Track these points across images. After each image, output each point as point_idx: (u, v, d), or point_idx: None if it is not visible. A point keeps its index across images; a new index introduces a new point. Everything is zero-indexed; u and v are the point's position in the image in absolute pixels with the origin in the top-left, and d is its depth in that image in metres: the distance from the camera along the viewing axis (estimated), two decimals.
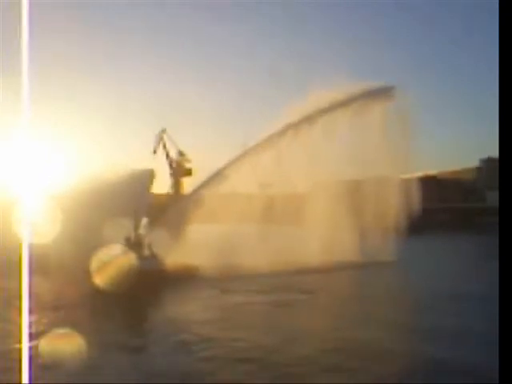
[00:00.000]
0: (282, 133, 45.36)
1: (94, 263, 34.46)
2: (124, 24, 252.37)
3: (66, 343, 20.27)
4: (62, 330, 21.77)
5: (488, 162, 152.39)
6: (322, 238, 44.48)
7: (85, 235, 36.79)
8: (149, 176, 44.70)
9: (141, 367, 18.60)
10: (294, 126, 45.52)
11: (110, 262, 34.71)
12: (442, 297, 31.32)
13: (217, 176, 44.79)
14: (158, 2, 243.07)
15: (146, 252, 36.96)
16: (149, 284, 33.01)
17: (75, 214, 37.62)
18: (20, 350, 18.46)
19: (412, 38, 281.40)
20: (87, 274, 34.26)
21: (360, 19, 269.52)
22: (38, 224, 37.37)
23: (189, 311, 28.66)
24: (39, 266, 34.43)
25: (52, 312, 27.25)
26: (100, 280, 33.73)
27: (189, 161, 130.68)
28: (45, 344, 20.14)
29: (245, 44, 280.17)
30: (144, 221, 40.12)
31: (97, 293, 32.37)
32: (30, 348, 19.27)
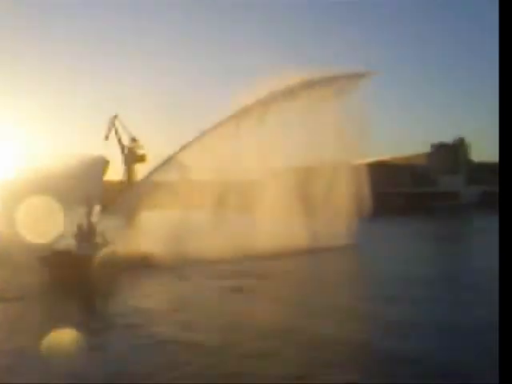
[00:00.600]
0: (236, 119, 44.93)
1: (46, 252, 33.87)
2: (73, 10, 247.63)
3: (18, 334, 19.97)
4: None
5: (439, 147, 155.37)
6: (276, 224, 44.65)
7: (37, 223, 36.02)
8: (101, 163, 43.86)
9: (92, 355, 18.36)
10: (248, 112, 45.12)
11: (63, 251, 34.17)
12: (392, 281, 31.88)
13: (169, 162, 44.13)
14: None
15: (99, 239, 36.47)
16: (102, 272, 32.64)
17: (26, 202, 36.74)
18: None
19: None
20: (39, 263, 33.71)
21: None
22: None
23: (146, 297, 28.39)
24: None
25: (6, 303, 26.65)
26: (52, 269, 33.19)
27: (141, 147, 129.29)
28: None
29: (199, 30, 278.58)
30: (97, 208, 39.43)
31: (49, 282, 31.91)
32: None
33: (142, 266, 35.89)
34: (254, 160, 47.18)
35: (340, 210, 46.11)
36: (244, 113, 45.02)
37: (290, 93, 45.98)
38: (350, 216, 46.03)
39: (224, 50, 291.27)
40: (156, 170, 44.65)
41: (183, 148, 44.01)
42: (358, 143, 49.03)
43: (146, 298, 28.25)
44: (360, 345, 18.64)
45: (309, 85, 46.48)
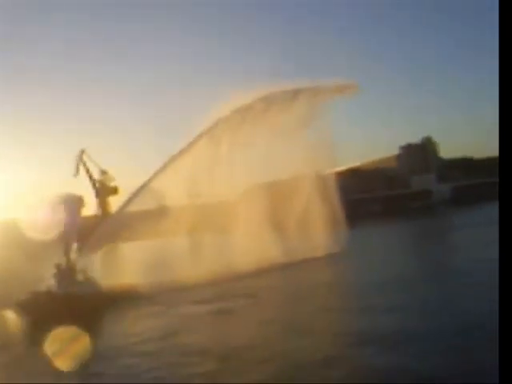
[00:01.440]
0: (200, 140, 44.74)
1: (26, 295, 33.48)
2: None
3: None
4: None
5: (407, 148, 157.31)
6: (253, 241, 44.67)
7: (13, 266, 35.68)
8: (77, 202, 43.58)
9: None
10: (214, 132, 45.01)
11: (42, 292, 33.81)
12: (373, 286, 31.89)
13: (142, 191, 43.83)
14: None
15: (80, 277, 36.13)
16: (87, 309, 32.24)
17: (3, 244, 36.44)
18: None
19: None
20: (19, 307, 33.24)
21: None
22: None
23: (138, 331, 27.97)
24: None
25: None
26: (33, 312, 32.74)
27: (112, 179, 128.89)
28: None
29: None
30: (74, 246, 39.10)
31: (32, 325, 31.39)
32: None
33: (127, 298, 35.61)
34: (224, 180, 47.07)
35: (314, 220, 46.49)
36: (210, 133, 44.88)
37: (252, 109, 46.01)
38: (325, 225, 46.35)
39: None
40: (130, 200, 44.34)
41: (154, 175, 43.82)
42: (326, 153, 49.46)
43: (137, 333, 27.70)
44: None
45: (273, 98, 46.59)
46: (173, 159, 43.88)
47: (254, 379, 17.53)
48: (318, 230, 46.23)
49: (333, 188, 49.70)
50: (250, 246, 44.21)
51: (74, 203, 42.15)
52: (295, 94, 47.07)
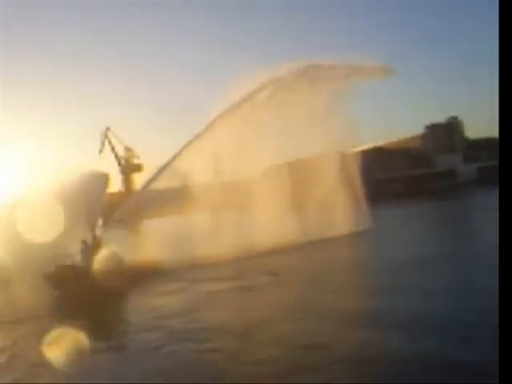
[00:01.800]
0: (225, 117, 44.53)
1: (52, 268, 34.04)
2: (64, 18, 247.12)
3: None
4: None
5: (433, 127, 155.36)
6: (273, 220, 44.68)
7: (41, 242, 36.17)
8: (103, 179, 43.98)
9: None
10: (236, 110, 44.77)
11: (68, 266, 34.34)
12: (395, 267, 31.67)
13: (166, 169, 44.05)
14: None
15: (105, 252, 36.59)
16: (111, 284, 32.69)
17: (28, 222, 36.88)
18: None
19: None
20: (44, 280, 33.86)
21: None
22: None
23: (160, 306, 28.17)
24: None
25: (16, 325, 26.53)
26: (58, 285, 33.35)
27: (137, 156, 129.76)
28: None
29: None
30: (99, 221, 39.58)
31: (60, 300, 32.01)
32: None
33: (150, 273, 36.08)
34: (248, 158, 46.96)
35: (336, 200, 46.42)
36: (232, 111, 44.68)
37: (279, 85, 45.62)
38: (347, 205, 46.27)
39: (217, 52, 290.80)
40: (155, 177, 44.61)
41: (179, 153, 43.95)
42: (350, 132, 49.08)
43: (158, 308, 27.93)
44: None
45: (296, 75, 46.04)
46: (198, 136, 43.90)
47: (269, 355, 17.64)
48: (339, 210, 46.12)
49: (355, 167, 49.46)
50: (270, 224, 44.30)
51: (99, 180, 42.52)
52: (329, 69, 46.60)
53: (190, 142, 43.90)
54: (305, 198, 46.93)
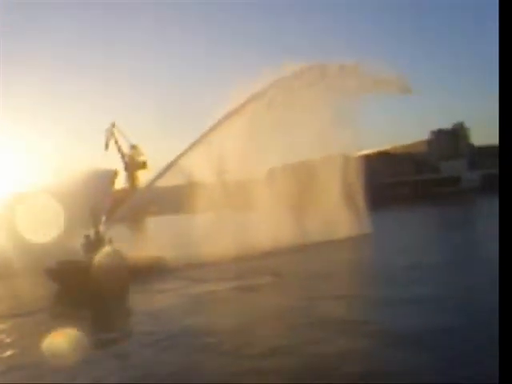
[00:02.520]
0: (231, 117, 44.45)
1: (53, 263, 34.22)
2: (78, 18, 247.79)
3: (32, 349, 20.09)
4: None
5: (438, 133, 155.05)
6: (275, 221, 44.66)
7: (46, 235, 36.40)
8: (111, 176, 44.14)
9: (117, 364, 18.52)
10: (242, 109, 44.72)
11: (70, 261, 34.48)
12: (403, 268, 31.81)
13: (171, 166, 44.09)
14: None
15: (107, 248, 36.66)
16: (113, 280, 32.77)
17: (35, 215, 37.13)
18: None
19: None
20: (47, 275, 34.04)
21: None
22: None
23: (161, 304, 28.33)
24: None
25: (18, 319, 26.67)
26: (60, 280, 33.51)
27: (142, 154, 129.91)
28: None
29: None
30: (103, 218, 39.69)
31: (62, 294, 32.16)
32: None
33: (152, 271, 36.18)
34: (253, 158, 46.88)
35: (337, 202, 46.43)
36: (239, 110, 44.59)
37: (285, 86, 45.51)
38: (348, 208, 46.24)
39: (221, 49, 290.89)
40: (160, 175, 44.67)
41: (185, 151, 44.00)
42: (353, 135, 48.89)
43: (162, 302, 28.32)
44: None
45: (301, 77, 45.83)
46: (203, 135, 43.92)
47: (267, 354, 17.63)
48: (338, 213, 46.06)
49: (356, 171, 49.17)
50: (272, 225, 44.28)
51: (107, 177, 42.67)
52: (341, 69, 46.43)
53: (196, 140, 43.95)
54: (305, 201, 46.82)
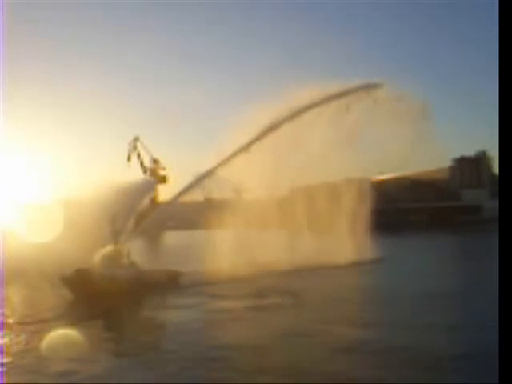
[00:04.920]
0: (255, 137, 44.46)
1: (71, 271, 34.57)
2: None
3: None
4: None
5: (461, 161, 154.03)
6: (300, 240, 44.67)
7: (64, 244, 36.97)
8: (151, 185, 44.39)
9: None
10: (266, 131, 44.71)
11: (85, 269, 34.76)
12: (417, 296, 31.59)
13: (193, 184, 44.21)
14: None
15: (124, 260, 36.94)
16: (127, 292, 33.03)
17: (56, 225, 37.78)
18: None
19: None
20: (62, 282, 34.38)
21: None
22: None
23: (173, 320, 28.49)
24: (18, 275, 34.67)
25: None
26: (76, 288, 33.80)
27: (163, 168, 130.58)
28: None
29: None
30: (122, 230, 39.99)
31: (80, 303, 32.40)
32: None
33: (168, 286, 36.35)
34: (275, 178, 46.67)
35: (364, 225, 46.20)
36: (264, 131, 44.43)
37: (311, 107, 45.17)
38: (358, 232, 46.00)
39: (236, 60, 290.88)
40: (183, 191, 44.72)
41: (208, 170, 43.94)
42: (375, 159, 48.85)
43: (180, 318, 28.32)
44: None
45: (330, 97, 45.77)
46: (227, 156, 43.84)
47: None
48: (341, 238, 45.83)
49: (368, 195, 48.87)
50: (285, 245, 44.26)
51: (147, 186, 42.56)
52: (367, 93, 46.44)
53: (219, 161, 43.93)
54: (322, 222, 46.62)
